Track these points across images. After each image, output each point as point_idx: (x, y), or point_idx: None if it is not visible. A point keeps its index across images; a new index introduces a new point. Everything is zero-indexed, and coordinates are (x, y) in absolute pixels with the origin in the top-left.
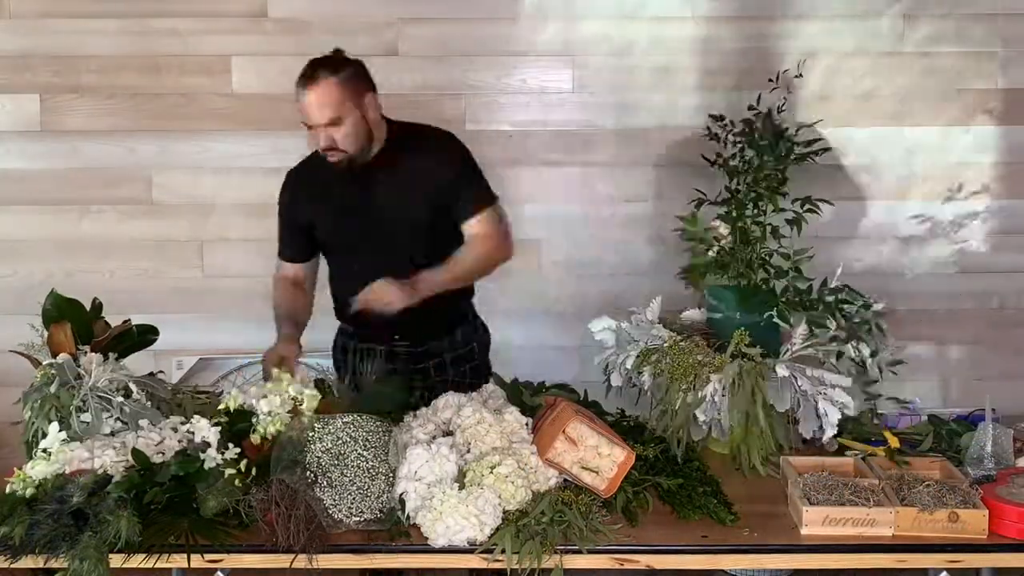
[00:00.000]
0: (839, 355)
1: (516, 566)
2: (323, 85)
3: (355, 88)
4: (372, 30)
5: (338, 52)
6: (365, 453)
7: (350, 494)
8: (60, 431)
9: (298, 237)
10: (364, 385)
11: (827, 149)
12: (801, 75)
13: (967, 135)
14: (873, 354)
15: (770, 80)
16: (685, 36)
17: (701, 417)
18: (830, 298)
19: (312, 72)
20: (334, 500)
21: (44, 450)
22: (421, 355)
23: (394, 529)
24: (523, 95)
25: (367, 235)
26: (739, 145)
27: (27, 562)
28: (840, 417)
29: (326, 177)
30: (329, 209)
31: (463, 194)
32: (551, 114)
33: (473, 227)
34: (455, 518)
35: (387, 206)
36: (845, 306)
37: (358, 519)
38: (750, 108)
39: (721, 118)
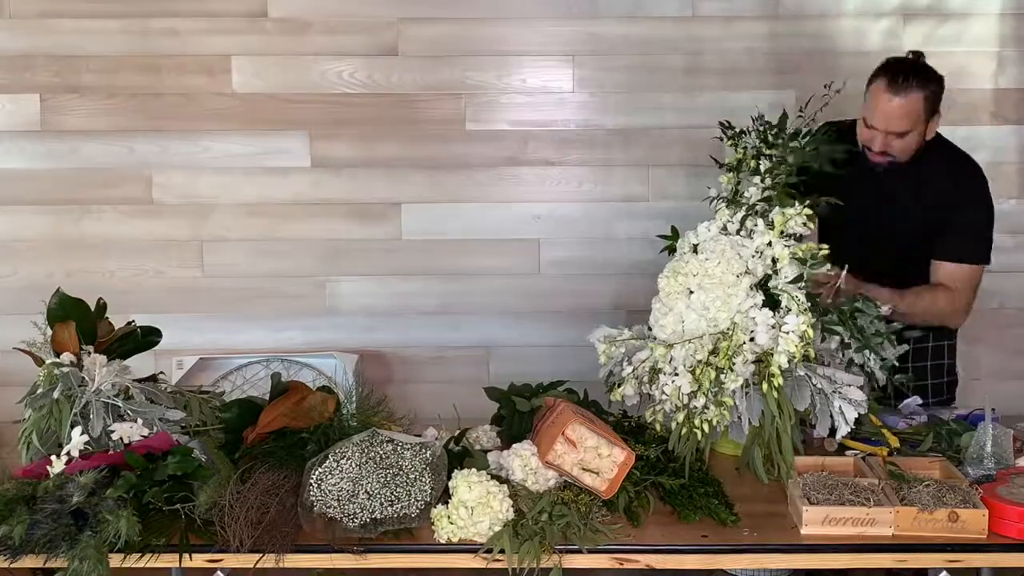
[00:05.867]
0: (850, 363)
1: (515, 566)
2: (911, 98)
3: (932, 107)
4: (372, 30)
5: (918, 55)
6: (389, 471)
7: (359, 501)
8: (82, 434)
9: None
10: None
11: (850, 151)
12: (839, 91)
13: (967, 135)
14: (884, 367)
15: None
16: (685, 36)
17: (726, 419)
18: (844, 306)
19: (905, 79)
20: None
21: (67, 453)
22: None
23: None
24: (523, 95)
25: (865, 225)
26: (752, 149)
27: (27, 562)
28: (856, 415)
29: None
30: (847, 188)
31: (957, 232)
32: (551, 114)
33: (943, 271)
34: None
35: (891, 206)
36: (858, 315)
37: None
38: (757, 119)
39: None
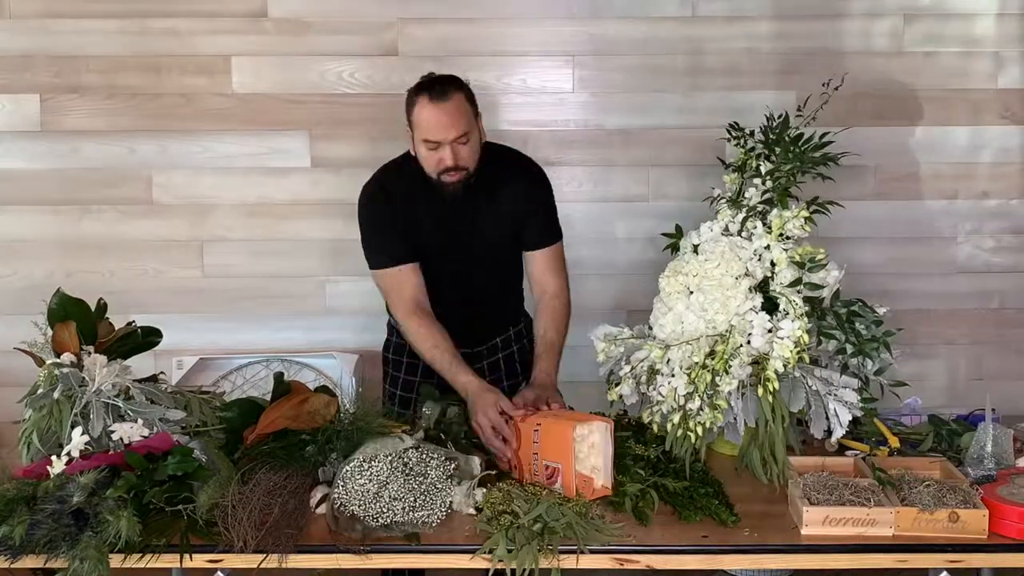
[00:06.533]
0: (844, 367)
1: (514, 566)
2: (455, 100)
3: (474, 107)
4: (372, 30)
5: (431, 73)
6: (418, 478)
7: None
8: (82, 434)
9: (401, 240)
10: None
11: (843, 154)
12: (837, 88)
13: (968, 135)
14: (878, 372)
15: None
16: (686, 36)
17: (719, 422)
18: (842, 310)
19: (441, 86)
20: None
21: (67, 453)
22: (473, 357)
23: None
24: (522, 95)
25: (456, 250)
26: (756, 150)
27: (27, 562)
28: (851, 417)
29: (413, 187)
30: (418, 218)
31: (539, 219)
32: (551, 114)
33: (541, 257)
34: None
35: (476, 224)
36: (856, 320)
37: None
38: (768, 118)
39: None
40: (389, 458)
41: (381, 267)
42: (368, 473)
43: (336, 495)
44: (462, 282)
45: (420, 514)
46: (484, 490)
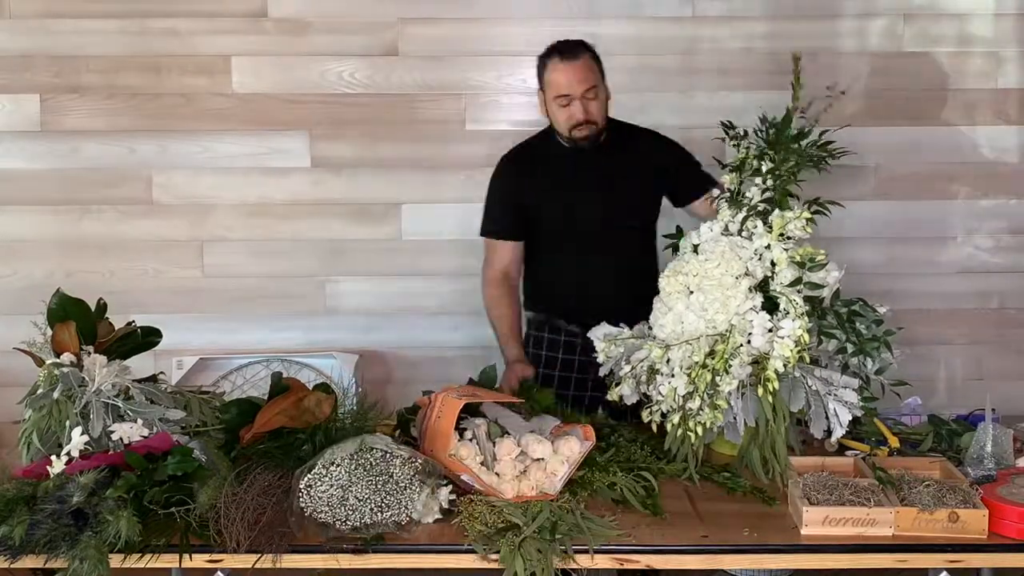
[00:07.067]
0: (845, 367)
1: (519, 569)
2: (583, 58)
3: (601, 67)
4: (372, 30)
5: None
6: (378, 478)
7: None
8: (82, 434)
9: (512, 218)
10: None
11: (844, 152)
12: (844, 92)
13: (967, 135)
14: (879, 372)
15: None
16: (685, 36)
17: (719, 421)
18: (842, 309)
19: (571, 47)
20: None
21: (67, 453)
22: None
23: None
24: (523, 95)
25: (599, 216)
26: (754, 149)
27: (27, 562)
28: (851, 418)
29: (551, 160)
30: (559, 190)
31: (691, 170)
32: None
33: (703, 202)
34: None
35: (618, 188)
36: (856, 319)
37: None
38: (763, 120)
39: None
40: (347, 461)
41: (485, 234)
42: (328, 479)
43: (303, 503)
44: (608, 248)
45: (388, 514)
46: (449, 490)
